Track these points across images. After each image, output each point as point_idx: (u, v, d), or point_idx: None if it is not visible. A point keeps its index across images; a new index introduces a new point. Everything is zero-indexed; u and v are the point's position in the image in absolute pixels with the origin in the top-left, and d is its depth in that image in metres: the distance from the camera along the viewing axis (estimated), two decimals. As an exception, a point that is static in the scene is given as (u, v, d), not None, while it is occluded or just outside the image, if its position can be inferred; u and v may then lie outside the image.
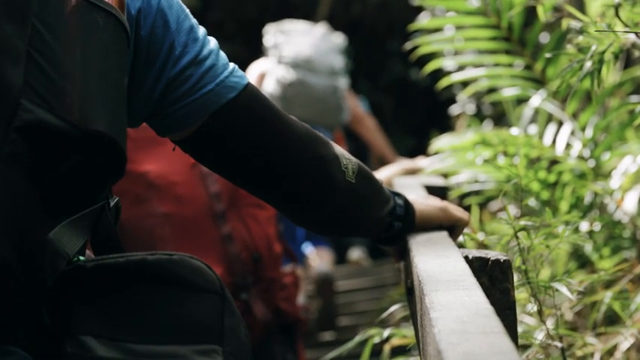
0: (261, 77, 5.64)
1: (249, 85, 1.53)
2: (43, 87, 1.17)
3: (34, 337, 1.21)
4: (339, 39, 5.83)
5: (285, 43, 5.62)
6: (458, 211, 1.85)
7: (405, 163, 3.04)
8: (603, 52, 1.62)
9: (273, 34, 5.78)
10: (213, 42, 1.52)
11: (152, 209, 2.57)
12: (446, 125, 6.85)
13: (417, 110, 9.99)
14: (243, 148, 1.53)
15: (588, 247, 2.82)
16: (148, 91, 1.44)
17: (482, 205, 3.99)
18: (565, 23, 1.96)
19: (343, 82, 5.61)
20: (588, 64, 1.63)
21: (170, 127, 1.50)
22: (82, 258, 1.24)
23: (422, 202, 1.84)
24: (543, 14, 2.06)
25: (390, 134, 8.74)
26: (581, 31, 1.74)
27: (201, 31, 1.51)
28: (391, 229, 1.76)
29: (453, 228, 1.85)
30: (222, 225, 2.64)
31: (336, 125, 5.71)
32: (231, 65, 1.53)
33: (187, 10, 1.50)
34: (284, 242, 2.91)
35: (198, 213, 2.62)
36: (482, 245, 1.94)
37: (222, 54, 1.53)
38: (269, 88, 5.52)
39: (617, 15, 1.64)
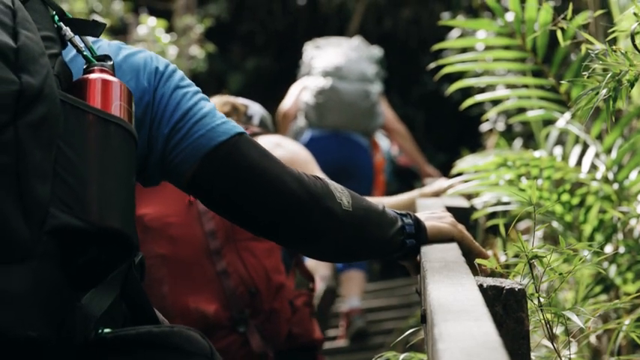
0: (301, 91, 5.78)
1: (244, 134, 1.73)
2: (66, 195, 1.44)
3: None
4: (373, 49, 5.95)
5: (318, 56, 5.76)
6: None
7: (425, 189, 3.05)
8: (619, 80, 1.62)
9: (310, 50, 5.93)
10: (208, 102, 1.76)
11: (148, 251, 2.63)
12: (477, 141, 6.84)
13: (448, 125, 9.96)
14: (237, 190, 1.72)
15: (612, 271, 2.80)
16: (154, 155, 1.71)
17: (510, 224, 3.98)
18: (584, 48, 1.95)
19: (376, 89, 5.69)
20: (604, 92, 1.63)
21: (174, 174, 1.72)
22: (106, 330, 1.53)
23: (431, 216, 2.00)
24: (563, 40, 2.05)
25: (421, 150, 8.71)
26: (597, 58, 1.73)
27: (197, 94, 1.75)
28: (404, 246, 1.90)
29: (462, 240, 1.98)
30: (218, 261, 2.68)
31: (370, 130, 5.78)
32: (227, 119, 1.74)
33: (185, 79, 1.76)
34: (301, 265, 2.92)
35: (194, 252, 2.68)
36: (496, 271, 1.94)
37: (218, 112, 1.75)
38: (304, 98, 5.66)
39: (633, 42, 1.64)
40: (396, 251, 1.92)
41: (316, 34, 8.86)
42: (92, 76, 1.57)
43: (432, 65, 3.21)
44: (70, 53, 1.66)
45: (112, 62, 1.62)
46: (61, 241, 1.43)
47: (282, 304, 2.73)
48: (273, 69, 10.44)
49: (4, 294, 1.37)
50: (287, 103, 5.93)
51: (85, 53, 1.62)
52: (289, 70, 10.56)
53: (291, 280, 2.84)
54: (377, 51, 5.98)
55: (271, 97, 10.00)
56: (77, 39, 1.63)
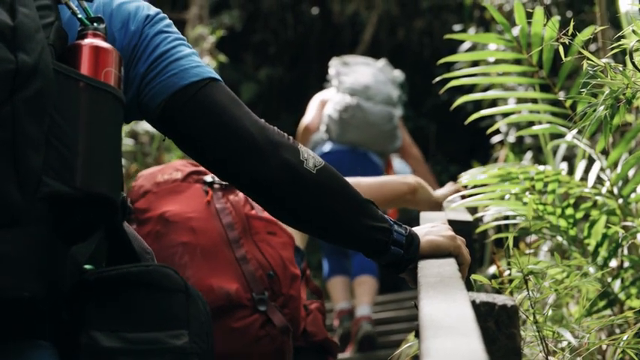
0: (323, 104, 5.90)
1: (218, 80, 1.79)
2: (58, 163, 1.54)
3: (57, 332, 1.62)
4: (396, 72, 6.03)
5: (346, 73, 5.86)
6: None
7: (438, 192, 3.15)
8: (617, 97, 1.61)
9: (337, 65, 6.01)
10: (189, 49, 1.82)
11: (170, 241, 2.75)
12: (489, 153, 6.84)
13: (460, 137, 9.94)
14: (199, 129, 1.77)
15: (616, 286, 2.79)
16: (130, 93, 1.76)
17: (516, 237, 3.96)
18: (585, 64, 1.95)
19: (398, 112, 5.80)
20: (601, 108, 1.63)
21: (145, 110, 1.78)
22: (87, 266, 1.65)
23: (431, 230, 1.98)
24: (567, 55, 2.05)
25: (433, 161, 8.71)
26: (596, 75, 1.73)
27: (179, 40, 1.81)
28: (387, 251, 1.89)
29: (458, 255, 1.97)
30: (237, 249, 2.77)
31: (387, 152, 5.85)
32: (205, 65, 1.80)
33: (172, 26, 1.83)
34: (310, 282, 2.99)
35: (213, 241, 2.78)
36: (493, 287, 1.94)
37: (197, 58, 1.81)
38: (328, 111, 5.74)
39: (631, 60, 1.64)
40: (376, 251, 1.89)
41: (329, 45, 8.89)
42: (84, 42, 1.65)
43: (438, 78, 3.20)
44: (67, 12, 1.73)
45: (104, 25, 1.69)
46: (52, 205, 1.54)
47: (298, 292, 2.81)
48: (285, 79, 10.45)
49: None
50: (309, 117, 6.02)
51: (79, 16, 1.69)
52: (302, 80, 10.57)
53: (302, 291, 2.90)
54: (399, 74, 6.09)
55: (284, 107, 10.03)
56: (72, 1, 1.71)
